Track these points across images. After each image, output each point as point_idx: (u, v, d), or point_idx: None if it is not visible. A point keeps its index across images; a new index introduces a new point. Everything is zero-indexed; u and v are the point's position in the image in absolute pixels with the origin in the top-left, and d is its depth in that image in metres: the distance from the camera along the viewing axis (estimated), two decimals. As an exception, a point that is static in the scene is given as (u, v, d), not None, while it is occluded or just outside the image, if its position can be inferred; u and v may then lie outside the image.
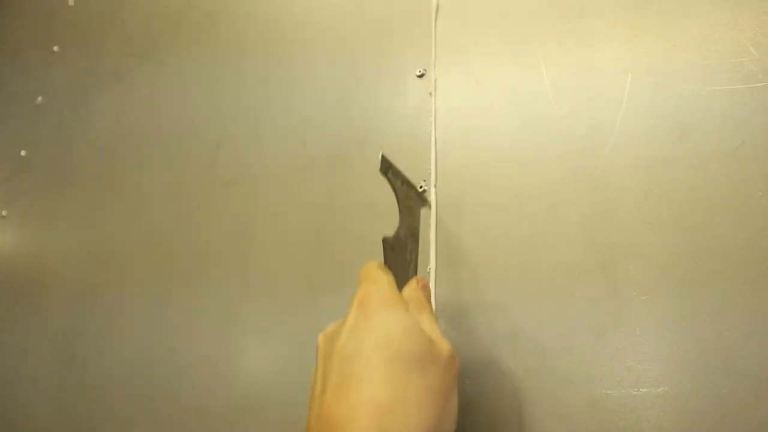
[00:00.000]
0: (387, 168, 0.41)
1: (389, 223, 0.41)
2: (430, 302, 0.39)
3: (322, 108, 0.60)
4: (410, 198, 0.44)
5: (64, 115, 0.93)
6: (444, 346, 0.33)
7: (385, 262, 0.38)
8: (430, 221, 0.48)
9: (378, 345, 0.30)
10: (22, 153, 0.97)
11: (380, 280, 0.35)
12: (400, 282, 0.38)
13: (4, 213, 0.95)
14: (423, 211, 0.47)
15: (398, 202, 0.42)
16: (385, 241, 0.39)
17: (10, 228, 0.94)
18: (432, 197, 0.49)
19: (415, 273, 0.42)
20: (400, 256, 0.40)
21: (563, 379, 0.39)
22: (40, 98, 0.99)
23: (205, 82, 0.75)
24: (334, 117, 0.59)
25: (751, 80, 0.39)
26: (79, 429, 0.68)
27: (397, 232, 0.40)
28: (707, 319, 0.36)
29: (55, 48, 1.00)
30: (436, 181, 0.49)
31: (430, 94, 0.52)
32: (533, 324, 0.42)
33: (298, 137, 0.61)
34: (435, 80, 0.52)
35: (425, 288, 0.39)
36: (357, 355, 0.30)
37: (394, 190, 0.42)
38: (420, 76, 0.53)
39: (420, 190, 0.48)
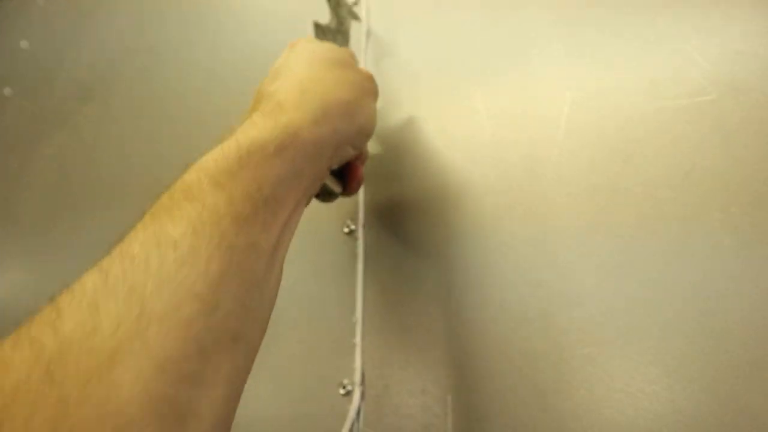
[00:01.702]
0: None
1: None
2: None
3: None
4: (340, 6, 0.44)
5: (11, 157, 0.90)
6: (364, 68, 0.37)
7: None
8: (356, 251, 0.43)
9: (304, 53, 0.35)
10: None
11: (308, 37, 0.38)
12: None
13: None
14: (350, 255, 0.42)
15: (329, 3, 0.43)
16: (316, 24, 0.42)
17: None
18: (359, 236, 0.43)
19: None
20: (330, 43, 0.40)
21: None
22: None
23: (146, 119, 0.71)
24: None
25: (699, 93, 0.34)
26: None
27: (328, 24, 0.43)
28: (661, 380, 0.31)
29: (6, 90, 0.97)
30: (363, 233, 0.44)
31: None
32: (468, 383, 0.36)
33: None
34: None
35: (353, 57, 0.39)
36: (286, 65, 0.34)
37: None
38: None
39: (347, 231, 0.43)
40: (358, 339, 0.40)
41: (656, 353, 0.31)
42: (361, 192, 0.45)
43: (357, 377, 0.39)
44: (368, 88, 0.36)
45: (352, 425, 0.38)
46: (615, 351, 0.32)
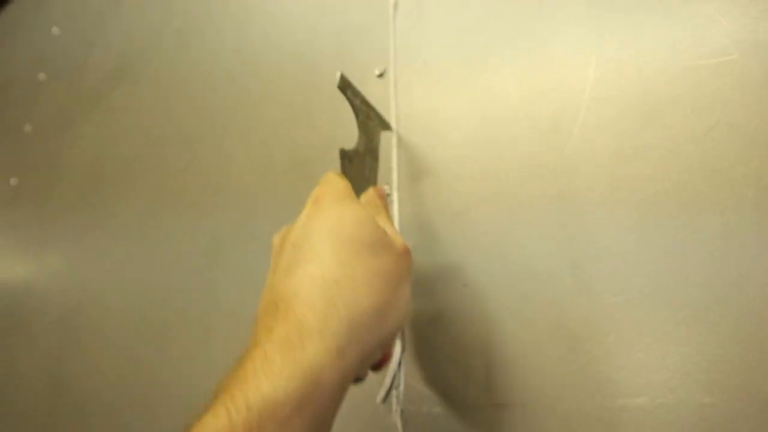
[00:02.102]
0: (346, 86, 0.40)
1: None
2: (387, 209, 0.38)
3: (286, 122, 0.58)
4: (370, 118, 0.43)
5: (51, 143, 0.93)
6: (398, 239, 0.32)
7: (342, 173, 0.37)
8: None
9: (329, 230, 0.29)
10: (12, 182, 0.97)
11: (336, 181, 0.34)
12: (358, 194, 0.37)
13: (-5, 245, 0.95)
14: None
15: (357, 118, 0.41)
16: (342, 152, 0.38)
17: (1, 256, 0.94)
18: (395, 203, 0.46)
19: None
20: (358, 171, 0.39)
21: (534, 396, 0.36)
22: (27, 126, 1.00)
23: (177, 99, 0.73)
24: (298, 126, 0.57)
25: (722, 54, 0.36)
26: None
27: (355, 147, 0.40)
28: (688, 323, 0.33)
29: (41, 76, 1.01)
30: (398, 184, 0.46)
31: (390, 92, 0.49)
32: (502, 336, 0.38)
33: (263, 152, 0.59)
34: (394, 80, 0.50)
35: (383, 197, 0.38)
36: (308, 240, 0.29)
37: (353, 107, 0.41)
38: (379, 76, 0.50)
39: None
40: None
41: (683, 299, 0.33)
42: (395, 156, 0.47)
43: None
44: (403, 269, 0.31)
45: (394, 377, 0.41)
46: (643, 299, 0.34)
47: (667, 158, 0.36)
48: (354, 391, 0.29)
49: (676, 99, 0.36)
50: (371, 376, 0.34)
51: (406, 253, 0.32)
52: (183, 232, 0.64)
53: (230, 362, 0.53)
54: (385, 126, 0.46)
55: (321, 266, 0.28)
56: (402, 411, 0.41)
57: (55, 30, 1.02)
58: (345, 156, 0.38)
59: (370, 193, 0.38)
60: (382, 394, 0.40)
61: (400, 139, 0.47)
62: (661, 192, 0.35)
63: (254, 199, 0.58)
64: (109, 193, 0.78)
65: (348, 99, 0.40)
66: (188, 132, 0.70)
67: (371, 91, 0.50)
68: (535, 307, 0.38)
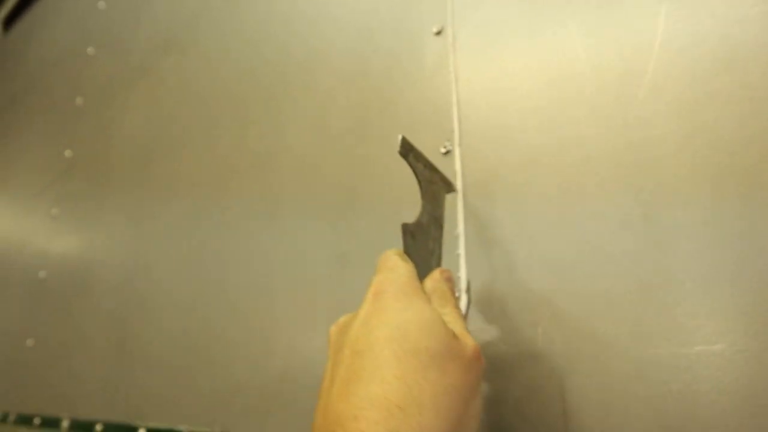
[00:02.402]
0: (408, 151, 0.38)
1: (414, 196, 0.39)
2: (454, 295, 0.35)
3: (341, 81, 0.58)
4: (434, 182, 0.40)
5: (104, 113, 0.95)
6: (468, 342, 0.29)
7: (405, 251, 0.35)
8: (457, 184, 0.45)
9: (392, 338, 0.27)
10: (66, 154, 1.00)
11: (398, 268, 0.32)
12: (422, 273, 0.34)
13: (54, 212, 0.98)
14: (449, 172, 0.45)
15: (420, 186, 0.38)
16: (405, 227, 0.35)
17: (60, 225, 0.97)
18: (456, 158, 0.46)
19: (439, 264, 0.39)
20: (422, 245, 0.37)
21: (607, 342, 0.36)
22: (79, 99, 1.02)
23: (226, 68, 0.74)
24: (353, 88, 0.57)
25: (806, -6, 0.34)
26: (131, 408, 0.70)
27: (418, 219, 0.37)
28: (766, 267, 0.32)
29: (90, 50, 1.03)
30: (460, 141, 0.46)
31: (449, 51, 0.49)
32: (572, 289, 0.39)
33: (319, 114, 0.59)
34: (453, 37, 0.49)
35: (449, 280, 0.36)
36: (369, 349, 0.27)
37: (416, 174, 0.38)
38: (437, 34, 0.50)
39: (444, 151, 0.46)
40: (461, 250, 0.43)
41: (762, 244, 0.33)
42: (455, 112, 0.47)
43: (463, 285, 0.42)
44: (474, 380, 0.29)
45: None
46: (721, 245, 0.34)
47: (745, 105, 0.35)
48: None
49: (754, 43, 0.35)
50: None
51: (477, 358, 0.29)
52: (239, 197, 0.66)
53: (290, 317, 0.54)
54: (450, 188, 0.43)
55: (383, 386, 0.25)
56: None
57: (101, 4, 1.04)
58: (407, 231, 0.35)
59: (435, 278, 0.35)
60: None
61: (459, 101, 0.47)
62: (739, 139, 0.35)
63: (310, 163, 0.59)
64: (161, 162, 0.80)
65: (410, 165, 0.38)
66: (239, 100, 0.71)
67: (428, 50, 0.50)
68: (606, 257, 0.38)
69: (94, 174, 0.93)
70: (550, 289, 0.39)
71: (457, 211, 0.45)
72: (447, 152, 0.46)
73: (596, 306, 0.37)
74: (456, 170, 0.46)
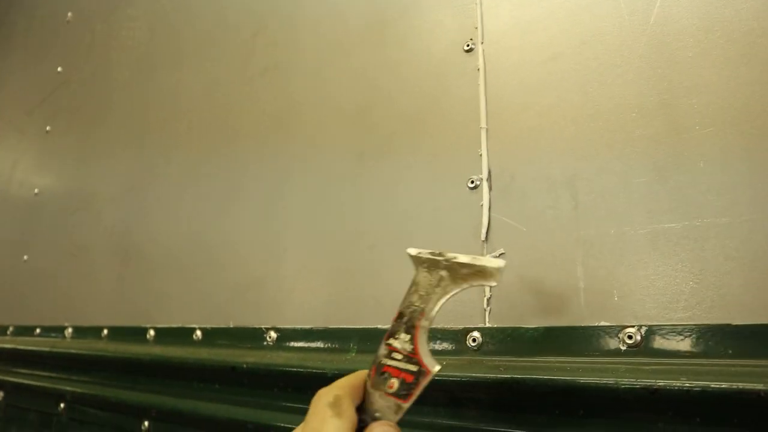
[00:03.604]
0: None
1: (432, 88, 0.39)
2: None
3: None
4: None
5: (96, 28, 0.93)
6: None
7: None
8: (478, 81, 0.47)
9: None
10: (59, 69, 0.98)
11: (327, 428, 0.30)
12: None
13: (48, 128, 0.97)
14: (471, 71, 0.46)
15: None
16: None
17: (55, 141, 0.96)
18: (479, 56, 0.47)
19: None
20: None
21: (622, 218, 0.39)
22: (70, 14, 0.99)
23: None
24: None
25: None
26: (139, 313, 0.71)
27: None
28: (776, 145, 0.35)
29: (81, -40, 0.99)
30: (483, 39, 0.48)
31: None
32: (592, 168, 0.41)
33: (335, 11, 0.59)
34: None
35: None
36: None
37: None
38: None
39: (467, 48, 0.47)
40: (483, 144, 0.45)
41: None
42: (479, 9, 0.48)
43: (484, 173, 0.44)
44: None
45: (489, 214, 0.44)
46: (733, 128, 0.36)
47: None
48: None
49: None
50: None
51: None
52: (249, 99, 0.66)
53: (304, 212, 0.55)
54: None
55: None
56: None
57: None
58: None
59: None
60: None
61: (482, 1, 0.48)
62: (756, 30, 0.37)
63: (328, 61, 0.59)
64: (163, 73, 0.79)
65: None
66: (253, 3, 0.70)
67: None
68: (625, 141, 0.40)
69: (89, 89, 0.91)
70: (569, 175, 0.42)
71: (480, 105, 0.46)
72: (470, 49, 0.47)
73: (612, 186, 0.40)
74: (479, 66, 0.47)
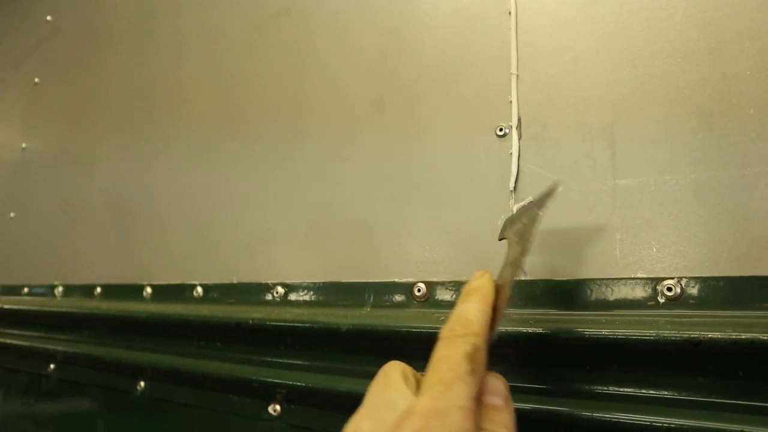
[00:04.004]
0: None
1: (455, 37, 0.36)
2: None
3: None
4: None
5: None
6: None
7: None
8: (509, 24, 0.44)
9: None
10: (48, 18, 0.93)
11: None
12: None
13: (36, 80, 0.92)
14: (502, 14, 0.44)
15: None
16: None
17: (43, 93, 0.92)
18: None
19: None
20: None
21: (663, 167, 0.37)
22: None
23: None
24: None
25: None
26: (134, 269, 0.69)
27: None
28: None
29: None
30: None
31: None
32: (631, 116, 0.39)
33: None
34: None
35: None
36: None
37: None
38: None
39: None
40: (513, 91, 0.43)
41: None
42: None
43: (514, 121, 0.42)
44: None
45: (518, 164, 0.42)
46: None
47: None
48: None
49: None
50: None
51: None
52: (262, 46, 0.63)
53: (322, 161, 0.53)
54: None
55: None
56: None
57: None
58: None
59: None
60: None
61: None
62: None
63: (348, 6, 0.56)
64: (163, 21, 0.75)
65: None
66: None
67: None
68: (668, 87, 0.38)
69: (82, 38, 0.87)
70: (607, 122, 0.40)
71: (511, 50, 0.44)
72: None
73: (654, 134, 0.38)
74: (510, 8, 0.45)
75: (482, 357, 0.27)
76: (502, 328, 0.36)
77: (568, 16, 0.43)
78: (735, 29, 0.37)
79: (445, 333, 0.28)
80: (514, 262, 0.33)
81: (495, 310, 0.30)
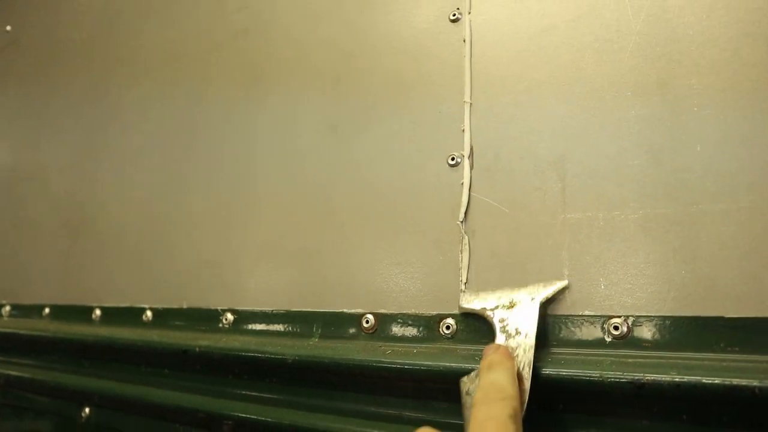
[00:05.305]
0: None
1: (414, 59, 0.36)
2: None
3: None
4: None
5: (51, -16, 0.86)
6: None
7: None
8: (464, 52, 0.44)
9: None
10: (8, 28, 0.91)
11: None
12: None
13: (-8, 90, 0.89)
14: (457, 42, 0.43)
15: None
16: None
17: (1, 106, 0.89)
18: (466, 26, 0.44)
19: None
20: None
21: (612, 202, 0.37)
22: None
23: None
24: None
25: None
26: (84, 290, 0.66)
27: None
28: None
29: None
30: (470, 8, 0.45)
31: None
32: (582, 149, 0.38)
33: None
34: None
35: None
36: None
37: None
38: None
39: (453, 18, 0.44)
40: (467, 119, 0.42)
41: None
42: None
43: (466, 150, 0.41)
44: None
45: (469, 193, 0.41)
46: (735, 111, 0.34)
47: (773, -28, 0.35)
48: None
49: None
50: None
51: None
52: (219, 64, 0.61)
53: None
54: None
55: None
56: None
57: None
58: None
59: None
60: None
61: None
62: (758, 9, 0.35)
63: (306, 26, 0.55)
64: (122, 34, 0.73)
65: None
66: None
67: None
68: (619, 121, 0.38)
69: (40, 50, 0.84)
70: (558, 155, 0.39)
71: (465, 78, 0.43)
72: (456, 19, 0.44)
73: (603, 168, 0.37)
74: (465, 37, 0.44)
75: (520, 420, 0.30)
76: (448, 364, 0.36)
77: (522, 46, 0.42)
78: (683, 65, 0.36)
79: (480, 398, 0.30)
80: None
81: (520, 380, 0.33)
